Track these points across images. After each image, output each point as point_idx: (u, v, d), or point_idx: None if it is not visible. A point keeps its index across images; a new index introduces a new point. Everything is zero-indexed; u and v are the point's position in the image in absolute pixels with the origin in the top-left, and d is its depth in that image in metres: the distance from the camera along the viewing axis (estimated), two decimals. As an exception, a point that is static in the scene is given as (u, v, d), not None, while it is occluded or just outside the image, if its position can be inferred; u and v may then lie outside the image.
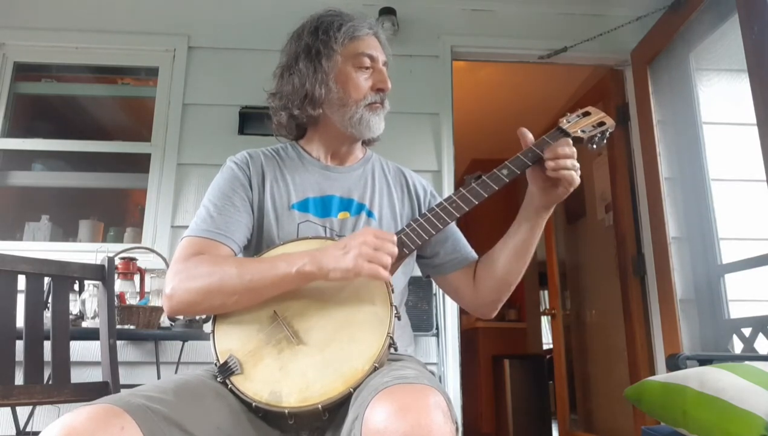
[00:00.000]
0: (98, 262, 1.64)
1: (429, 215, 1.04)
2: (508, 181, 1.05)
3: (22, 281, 1.41)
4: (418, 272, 1.27)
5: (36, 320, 1.42)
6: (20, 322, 1.39)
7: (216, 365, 0.94)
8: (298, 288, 0.96)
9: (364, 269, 0.90)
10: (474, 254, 1.23)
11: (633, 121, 2.65)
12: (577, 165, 1.03)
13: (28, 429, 1.96)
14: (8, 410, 1.97)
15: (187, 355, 2.23)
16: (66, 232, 2.69)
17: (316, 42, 1.15)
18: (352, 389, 0.86)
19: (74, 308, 1.88)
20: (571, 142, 1.06)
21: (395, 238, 0.96)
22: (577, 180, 1.03)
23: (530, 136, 1.08)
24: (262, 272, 0.94)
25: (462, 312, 2.55)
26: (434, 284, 2.41)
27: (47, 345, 1.43)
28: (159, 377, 2.12)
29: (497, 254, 1.14)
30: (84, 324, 1.84)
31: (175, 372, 2.15)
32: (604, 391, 3.16)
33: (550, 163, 1.02)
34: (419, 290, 2.37)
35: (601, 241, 3.10)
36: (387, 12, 2.60)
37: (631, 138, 2.66)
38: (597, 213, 3.19)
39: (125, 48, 2.63)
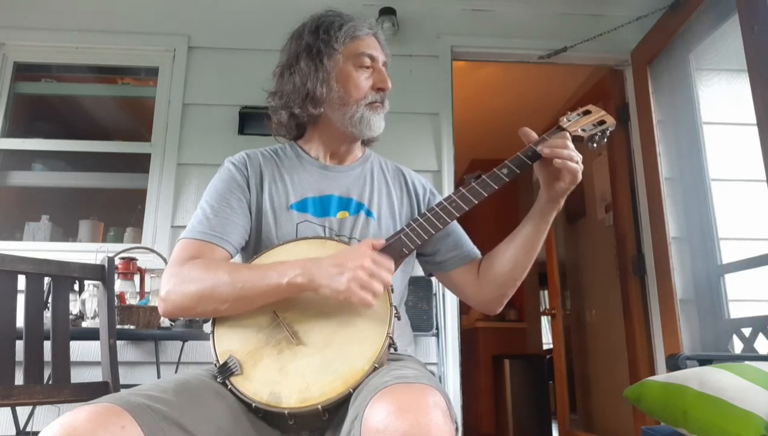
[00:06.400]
0: (98, 262, 1.64)
1: (429, 215, 1.04)
2: (507, 180, 1.05)
3: (22, 281, 1.41)
4: (418, 272, 1.26)
5: (36, 320, 1.42)
6: (20, 322, 1.38)
7: (216, 365, 0.94)
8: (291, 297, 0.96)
9: (354, 296, 0.89)
10: (476, 251, 1.22)
11: (633, 121, 2.65)
12: (577, 157, 1.03)
13: (28, 429, 1.96)
14: (8, 410, 1.97)
15: (187, 355, 2.23)
16: (66, 232, 2.69)
17: (317, 41, 1.15)
18: (351, 389, 0.86)
19: (74, 308, 1.88)
20: (568, 135, 1.06)
21: (393, 265, 0.95)
22: (578, 170, 1.03)
23: (533, 134, 1.08)
24: (254, 281, 0.94)
25: (462, 312, 2.55)
26: (434, 283, 2.41)
27: (47, 345, 1.43)
28: (159, 377, 2.12)
29: (503, 250, 1.14)
30: (84, 324, 1.84)
31: (175, 372, 2.14)
32: (604, 391, 3.16)
33: (545, 151, 1.03)
34: (419, 290, 2.37)
35: (601, 241, 3.10)
36: (387, 12, 2.60)
37: (631, 138, 2.66)
38: (597, 213, 3.19)
39: (125, 48, 2.64)
